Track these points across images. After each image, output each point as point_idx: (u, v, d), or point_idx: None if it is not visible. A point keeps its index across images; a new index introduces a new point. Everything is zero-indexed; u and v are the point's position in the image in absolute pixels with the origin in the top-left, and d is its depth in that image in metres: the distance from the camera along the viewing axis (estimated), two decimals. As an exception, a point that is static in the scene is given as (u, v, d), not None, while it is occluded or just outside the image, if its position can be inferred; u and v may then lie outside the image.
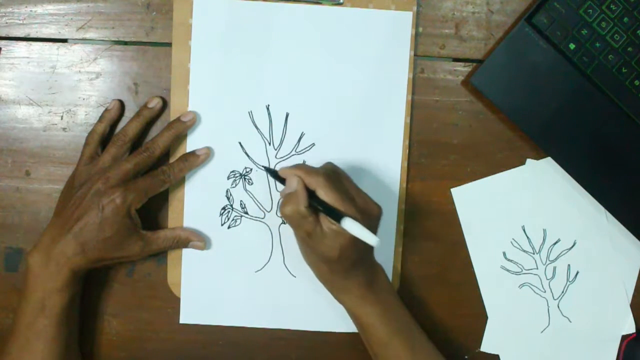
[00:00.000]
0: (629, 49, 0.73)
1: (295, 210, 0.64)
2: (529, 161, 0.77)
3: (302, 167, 0.67)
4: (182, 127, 0.72)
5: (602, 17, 0.73)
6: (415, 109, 0.75)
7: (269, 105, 0.74)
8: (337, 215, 0.63)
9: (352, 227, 0.62)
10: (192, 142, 0.74)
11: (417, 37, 0.75)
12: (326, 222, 0.64)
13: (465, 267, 0.77)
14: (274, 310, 0.76)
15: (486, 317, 0.78)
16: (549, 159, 0.76)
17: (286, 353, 0.78)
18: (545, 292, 0.78)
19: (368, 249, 0.69)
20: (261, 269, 0.76)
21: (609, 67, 0.74)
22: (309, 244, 0.66)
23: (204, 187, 0.74)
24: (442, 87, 0.76)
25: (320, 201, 0.64)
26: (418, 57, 0.75)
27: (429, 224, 0.77)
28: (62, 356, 0.69)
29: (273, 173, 0.70)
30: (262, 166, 0.74)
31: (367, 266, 0.70)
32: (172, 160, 0.73)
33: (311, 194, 0.65)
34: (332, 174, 0.66)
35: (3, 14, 0.73)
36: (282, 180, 0.68)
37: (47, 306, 0.67)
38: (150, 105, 0.73)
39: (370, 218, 0.66)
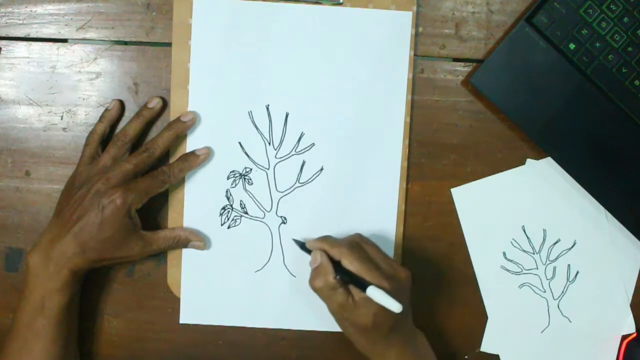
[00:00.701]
0: (629, 49, 0.73)
1: (325, 283, 0.66)
2: (529, 161, 0.77)
3: (326, 240, 0.69)
4: (182, 127, 0.72)
5: (602, 17, 0.73)
6: (415, 109, 0.75)
7: (268, 105, 0.74)
8: (362, 284, 0.64)
9: (375, 294, 0.63)
10: (192, 142, 0.74)
11: (417, 37, 0.75)
12: (356, 292, 0.65)
13: (465, 267, 0.77)
14: (273, 310, 0.76)
15: (486, 317, 0.78)
16: (549, 159, 0.76)
17: (286, 353, 0.78)
18: (545, 292, 0.78)
19: (404, 313, 0.68)
20: (261, 269, 0.76)
21: (609, 67, 0.74)
22: (343, 315, 0.67)
23: (203, 187, 0.74)
24: (442, 87, 0.76)
25: (346, 271, 0.66)
26: (418, 57, 0.75)
27: (429, 224, 0.77)
28: (61, 356, 0.69)
29: (301, 245, 0.72)
30: (292, 239, 0.75)
31: (406, 333, 0.71)
32: (172, 160, 0.73)
33: (338, 266, 0.66)
34: (355, 244, 0.68)
35: (3, 14, 0.73)
36: (308, 252, 0.70)
37: (46, 306, 0.67)
38: (150, 105, 0.73)
39: (399, 283, 0.67)
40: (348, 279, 0.66)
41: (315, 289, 0.67)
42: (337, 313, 0.68)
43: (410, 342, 0.71)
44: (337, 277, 0.66)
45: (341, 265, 0.66)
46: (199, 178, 0.74)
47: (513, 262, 0.77)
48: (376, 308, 0.65)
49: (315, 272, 0.67)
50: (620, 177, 0.75)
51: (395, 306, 0.62)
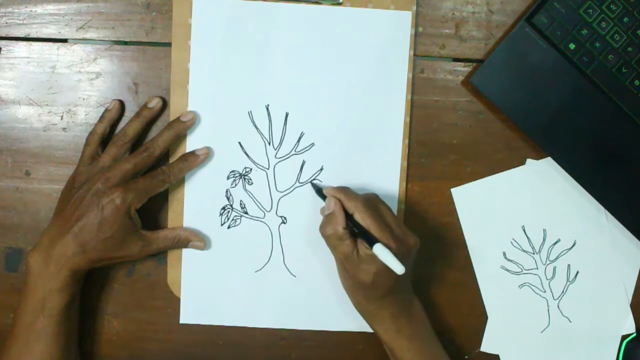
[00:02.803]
0: (629, 49, 0.73)
1: (334, 231, 0.66)
2: (529, 161, 0.77)
3: (343, 190, 0.69)
4: (182, 127, 0.72)
5: (602, 17, 0.73)
6: (415, 108, 0.75)
7: (268, 105, 0.74)
8: (371, 240, 0.64)
9: (381, 252, 0.63)
10: (192, 142, 0.74)
11: (417, 37, 0.75)
12: (362, 247, 0.66)
13: (465, 267, 0.77)
14: (273, 310, 0.76)
15: (486, 317, 0.78)
16: (549, 159, 0.76)
17: (286, 353, 0.78)
18: (545, 292, 0.78)
19: (403, 278, 0.68)
20: (261, 268, 0.76)
21: (609, 67, 0.74)
22: (345, 267, 0.68)
23: (203, 187, 0.74)
24: (442, 87, 0.76)
25: (357, 224, 0.66)
26: (418, 57, 0.75)
27: (429, 224, 0.77)
28: (62, 356, 0.69)
29: (318, 190, 0.73)
30: (310, 182, 0.75)
31: (403, 297, 0.71)
32: (171, 160, 0.73)
33: (349, 218, 0.67)
34: (372, 201, 0.68)
35: (3, 14, 0.73)
36: (324, 198, 0.70)
37: (47, 306, 0.67)
38: (150, 105, 0.73)
39: (407, 248, 0.67)
40: (357, 233, 0.66)
41: (323, 235, 0.68)
42: (341, 263, 0.69)
43: (406, 307, 0.71)
44: (346, 228, 0.66)
45: (353, 218, 0.66)
46: (199, 178, 0.74)
47: (513, 262, 0.77)
48: (378, 267, 0.65)
49: (327, 219, 0.68)
50: (620, 177, 0.75)
51: (398, 268, 0.62)
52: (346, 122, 0.74)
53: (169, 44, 0.73)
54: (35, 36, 0.73)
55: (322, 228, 0.68)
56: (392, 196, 0.75)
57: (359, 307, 0.71)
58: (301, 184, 0.75)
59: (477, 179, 0.77)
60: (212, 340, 0.77)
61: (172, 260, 0.75)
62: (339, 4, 0.73)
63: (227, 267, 0.75)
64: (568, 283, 0.78)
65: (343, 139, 0.75)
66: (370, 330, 0.74)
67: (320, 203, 0.72)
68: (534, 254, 0.77)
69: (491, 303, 0.78)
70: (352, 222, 0.66)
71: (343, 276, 0.70)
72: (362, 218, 0.66)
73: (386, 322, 0.70)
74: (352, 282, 0.69)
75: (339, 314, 0.76)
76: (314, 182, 0.74)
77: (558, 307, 0.78)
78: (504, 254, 0.77)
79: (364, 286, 0.68)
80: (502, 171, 0.77)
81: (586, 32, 0.73)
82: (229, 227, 0.75)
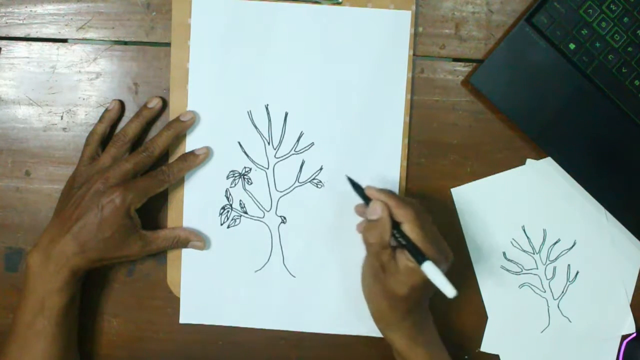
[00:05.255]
0: (629, 49, 0.73)
1: (379, 239, 0.64)
2: (529, 161, 0.77)
3: (394, 197, 0.66)
4: (182, 127, 0.72)
5: (602, 17, 0.73)
6: (415, 108, 0.75)
7: (268, 105, 0.74)
8: (417, 254, 0.62)
9: (433, 272, 0.61)
10: (192, 142, 0.74)
11: (417, 37, 0.75)
12: (402, 258, 0.64)
13: (465, 267, 0.77)
14: (273, 310, 0.76)
15: (486, 317, 0.78)
16: (549, 159, 0.76)
17: (286, 353, 0.78)
18: (545, 292, 0.78)
19: (432, 294, 0.68)
20: (261, 268, 0.76)
21: (609, 67, 0.74)
22: (379, 276, 0.66)
23: (203, 187, 0.74)
24: (442, 87, 0.76)
25: (405, 236, 0.63)
26: (418, 57, 0.75)
27: (428, 224, 0.77)
28: (62, 356, 0.69)
29: (357, 187, 0.68)
30: (346, 176, 0.68)
31: (422, 310, 0.70)
32: (171, 160, 0.73)
33: (395, 226, 0.64)
34: (421, 213, 0.66)
35: (3, 14, 0.73)
36: (365, 198, 0.67)
37: (46, 306, 0.67)
38: (150, 105, 0.73)
39: (445, 264, 0.65)
40: (403, 243, 0.63)
41: (366, 242, 0.65)
42: (373, 270, 0.66)
43: (424, 320, 0.71)
44: (392, 238, 0.63)
45: (399, 228, 0.64)
46: (199, 178, 0.74)
47: (513, 262, 0.77)
48: (416, 281, 0.63)
49: (372, 225, 0.64)
50: (620, 177, 0.75)
51: (450, 291, 0.60)
52: (346, 122, 0.74)
53: (168, 44, 0.73)
54: (35, 36, 0.74)
55: (367, 233, 0.65)
56: (392, 196, 0.75)
57: (379, 314, 0.69)
58: (301, 184, 0.75)
59: (477, 179, 0.77)
60: (212, 340, 0.77)
61: (172, 260, 0.75)
62: (339, 3, 0.73)
63: (226, 267, 0.75)
64: (568, 283, 0.78)
65: (343, 138, 0.75)
66: (369, 333, 0.74)
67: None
68: (534, 254, 0.77)
69: (491, 303, 0.78)
70: (398, 232, 0.64)
71: (371, 282, 0.68)
72: (411, 229, 0.63)
73: (404, 331, 0.69)
74: (379, 290, 0.67)
75: (339, 315, 0.76)
76: (348, 176, 0.68)
77: (558, 307, 0.78)
78: (504, 254, 0.77)
79: (394, 297, 0.66)
80: (502, 171, 0.77)
81: (586, 32, 0.73)
82: (228, 227, 0.75)
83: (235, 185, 0.74)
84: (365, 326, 0.75)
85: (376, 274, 0.66)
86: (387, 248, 0.64)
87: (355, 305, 0.75)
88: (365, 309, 0.71)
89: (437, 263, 0.62)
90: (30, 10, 0.73)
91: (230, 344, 0.77)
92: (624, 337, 0.79)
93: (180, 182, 0.74)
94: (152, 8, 0.73)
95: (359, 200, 0.69)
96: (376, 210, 0.65)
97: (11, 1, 0.73)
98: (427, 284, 0.63)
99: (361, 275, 0.70)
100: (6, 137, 0.74)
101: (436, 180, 0.77)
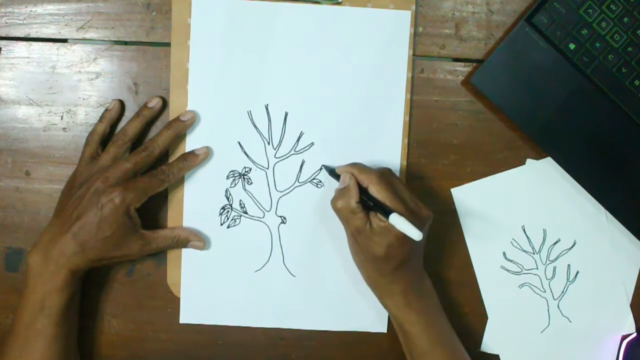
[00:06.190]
0: (629, 49, 0.73)
1: (347, 204, 0.67)
2: (529, 161, 0.77)
3: (357, 165, 0.71)
4: (182, 127, 0.72)
5: (602, 17, 0.73)
6: (415, 108, 0.75)
7: (268, 105, 0.74)
8: (386, 212, 0.64)
9: (398, 221, 0.63)
10: (191, 142, 0.74)
11: (416, 37, 0.75)
12: (376, 220, 0.66)
13: (465, 267, 0.77)
14: (273, 310, 0.76)
15: (486, 317, 0.78)
16: (549, 159, 0.76)
17: (286, 353, 0.78)
18: (545, 292, 0.78)
19: (415, 252, 0.69)
20: (261, 268, 0.76)
21: (609, 67, 0.74)
22: (357, 240, 0.68)
23: (203, 186, 0.74)
24: (441, 87, 0.76)
25: (371, 197, 0.66)
26: (418, 57, 0.75)
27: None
28: (61, 356, 0.69)
29: (331, 171, 0.73)
30: (322, 165, 0.74)
31: (414, 271, 0.71)
32: (171, 159, 0.73)
33: (363, 191, 0.67)
34: (386, 175, 0.68)
35: (3, 14, 0.73)
36: (338, 178, 0.70)
37: (46, 306, 0.67)
38: (150, 105, 0.73)
39: (419, 219, 0.67)
40: (371, 206, 0.66)
41: (335, 209, 0.69)
42: (353, 237, 0.69)
43: (417, 282, 0.71)
44: (359, 202, 0.66)
45: (367, 192, 0.67)
46: (199, 178, 0.74)
47: (513, 262, 0.77)
48: (391, 238, 0.66)
49: (340, 193, 0.68)
50: (620, 177, 0.75)
51: (415, 233, 0.62)
52: (346, 122, 0.74)
53: (168, 44, 0.73)
54: (35, 36, 0.73)
55: (334, 201, 0.68)
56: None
57: (370, 280, 0.71)
58: (301, 184, 0.75)
59: (477, 179, 0.77)
60: (212, 340, 0.77)
61: (172, 260, 0.75)
62: (338, 3, 0.73)
63: (226, 267, 0.75)
64: (568, 283, 0.78)
65: (342, 138, 0.75)
66: (370, 330, 0.74)
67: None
68: (534, 254, 0.77)
69: (491, 303, 0.78)
70: (366, 196, 0.67)
71: (355, 251, 0.71)
72: (377, 190, 0.66)
73: (396, 296, 0.70)
74: (364, 255, 0.69)
75: (339, 315, 0.76)
76: (324, 164, 0.74)
77: (558, 307, 0.78)
78: (504, 254, 0.77)
79: (376, 259, 0.68)
80: (502, 171, 0.77)
81: (586, 32, 0.73)
82: (228, 227, 0.75)
83: (235, 185, 0.74)
84: (365, 325, 0.75)
85: (356, 240, 0.69)
86: (358, 212, 0.67)
87: (355, 304, 0.75)
88: (365, 307, 0.71)
89: (404, 215, 0.64)
90: (30, 10, 0.73)
91: (230, 343, 0.77)
92: (624, 337, 0.79)
93: (180, 182, 0.74)
94: (152, 8, 0.73)
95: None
96: (344, 180, 0.69)
97: (11, 1, 0.73)
98: (403, 240, 0.65)
99: (349, 248, 0.72)
100: (6, 137, 0.74)
101: (436, 180, 0.77)
